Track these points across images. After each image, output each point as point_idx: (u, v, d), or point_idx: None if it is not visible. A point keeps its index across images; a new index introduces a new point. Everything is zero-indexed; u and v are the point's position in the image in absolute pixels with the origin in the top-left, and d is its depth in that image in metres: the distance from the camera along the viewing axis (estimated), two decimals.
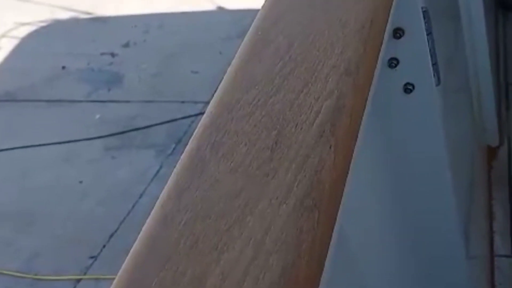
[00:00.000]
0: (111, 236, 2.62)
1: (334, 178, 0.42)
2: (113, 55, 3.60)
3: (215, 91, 0.56)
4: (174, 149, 3.04)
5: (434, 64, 0.85)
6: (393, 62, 0.81)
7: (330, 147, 0.43)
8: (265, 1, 0.63)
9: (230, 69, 0.54)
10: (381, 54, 0.62)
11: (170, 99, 3.36)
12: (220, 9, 3.78)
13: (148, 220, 0.39)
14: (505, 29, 2.08)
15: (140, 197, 2.79)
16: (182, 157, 0.44)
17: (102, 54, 3.60)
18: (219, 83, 0.55)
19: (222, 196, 0.39)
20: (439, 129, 0.89)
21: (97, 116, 3.33)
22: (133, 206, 2.76)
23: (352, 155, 0.46)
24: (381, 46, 0.60)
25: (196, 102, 3.28)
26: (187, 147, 0.46)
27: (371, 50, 0.57)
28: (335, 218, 0.41)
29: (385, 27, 0.62)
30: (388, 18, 0.63)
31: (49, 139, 3.19)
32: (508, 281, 1.55)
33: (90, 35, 3.75)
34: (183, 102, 3.33)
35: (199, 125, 0.48)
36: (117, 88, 3.45)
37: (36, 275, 2.48)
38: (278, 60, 0.53)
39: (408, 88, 0.84)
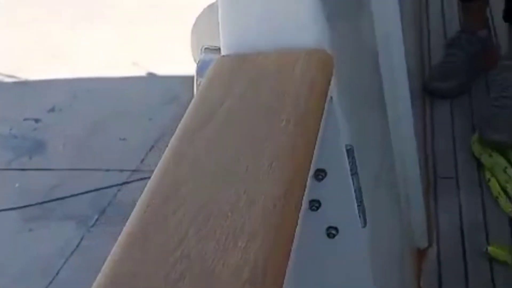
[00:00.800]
0: None
1: None
2: (37, 120, 3.45)
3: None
4: (96, 220, 2.91)
5: (360, 205, 0.78)
6: (314, 205, 0.74)
7: None
8: (158, 166, 0.54)
9: (103, 270, 0.43)
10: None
11: (95, 167, 3.23)
12: (150, 75, 3.71)
13: None
14: (432, 117, 2.07)
15: (58, 273, 2.64)
16: None
17: (26, 119, 3.45)
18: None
19: None
20: (367, 270, 0.81)
21: (17, 185, 3.17)
22: (51, 282, 2.60)
23: None
24: (296, 228, 0.51)
25: (122, 171, 3.16)
26: None
27: (284, 239, 0.47)
28: None
29: (302, 202, 0.54)
30: (304, 192, 0.55)
31: None
32: None
33: (13, 100, 3.60)
34: (108, 170, 3.21)
35: None
36: (40, 155, 3.30)
37: None
38: (167, 256, 0.43)
39: (332, 233, 0.77)
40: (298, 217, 0.52)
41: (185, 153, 0.54)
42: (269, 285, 0.43)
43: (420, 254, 1.70)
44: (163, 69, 3.68)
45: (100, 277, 0.42)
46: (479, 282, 1.63)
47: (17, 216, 2.99)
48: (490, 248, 1.68)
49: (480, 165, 1.90)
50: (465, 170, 1.91)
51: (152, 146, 3.04)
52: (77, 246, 2.77)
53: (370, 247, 0.84)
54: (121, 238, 0.46)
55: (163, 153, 0.50)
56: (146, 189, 0.51)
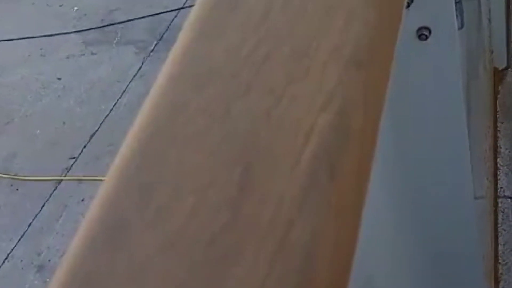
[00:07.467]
0: (92, 136, 2.56)
1: (334, 267, 0.25)
2: None
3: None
4: (155, 45, 2.92)
5: (458, 2, 0.68)
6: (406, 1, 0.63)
7: (328, 209, 0.26)
8: None
9: (174, 50, 0.33)
10: None
11: None
12: None
13: None
14: None
15: (121, 97, 2.71)
16: (91, 216, 0.26)
17: None
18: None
19: None
20: (458, 77, 0.71)
21: (76, 9, 3.16)
22: (115, 105, 2.68)
23: (361, 218, 0.28)
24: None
25: None
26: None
27: (390, 17, 0.36)
28: None
29: None
30: None
31: (24, 33, 3.04)
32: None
33: None
34: None
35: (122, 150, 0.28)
36: None
37: (16, 175, 2.45)
38: (248, 34, 0.32)
39: (424, 34, 0.65)
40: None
41: None
42: (375, 70, 0.33)
43: (498, 74, 1.59)
44: None
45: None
46: None
47: (77, 40, 3.01)
48: None
49: None
50: None
51: None
52: (138, 70, 2.81)
53: (462, 54, 0.75)
54: (190, 19, 0.35)
55: None
56: None
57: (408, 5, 0.64)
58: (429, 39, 0.67)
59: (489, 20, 1.49)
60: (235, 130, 0.29)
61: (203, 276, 0.24)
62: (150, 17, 3.05)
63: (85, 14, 3.12)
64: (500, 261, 1.43)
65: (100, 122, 2.61)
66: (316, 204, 0.26)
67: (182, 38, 0.34)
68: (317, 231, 0.26)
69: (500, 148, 1.59)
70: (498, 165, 1.57)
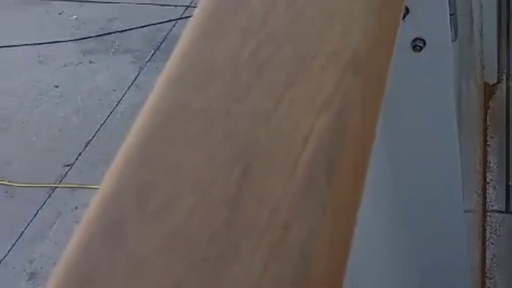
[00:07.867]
0: (87, 144, 2.55)
1: (329, 267, 0.26)
2: None
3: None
4: (152, 55, 2.93)
5: (452, 15, 0.69)
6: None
7: (324, 210, 0.27)
8: None
9: (176, 51, 0.33)
10: None
11: (149, 1, 3.20)
12: None
13: None
14: None
15: (117, 105, 2.71)
16: (89, 215, 0.27)
17: None
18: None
19: None
20: (451, 89, 0.72)
21: (74, 17, 3.17)
22: (111, 113, 2.68)
23: (356, 221, 0.29)
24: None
25: (176, 6, 3.13)
26: (100, 194, 0.27)
27: (389, 24, 0.36)
28: None
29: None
30: None
31: (23, 39, 3.05)
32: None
33: None
34: (163, 5, 3.17)
35: (121, 151, 0.28)
36: None
37: (10, 182, 2.44)
38: (249, 37, 0.33)
39: (418, 45, 0.66)
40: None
41: None
42: (373, 75, 0.33)
43: (488, 89, 1.60)
44: None
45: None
46: None
47: (75, 48, 3.02)
48: None
49: None
50: None
51: None
52: (135, 80, 2.82)
53: (455, 66, 0.77)
54: (192, 22, 0.35)
55: None
56: None
57: (404, 16, 0.64)
58: (423, 50, 0.67)
59: (481, 35, 1.51)
60: (235, 131, 0.29)
61: (201, 274, 0.24)
62: (148, 27, 3.07)
63: (84, 23, 3.13)
64: (487, 274, 1.44)
65: (96, 131, 2.60)
66: (312, 206, 0.27)
67: (184, 39, 0.34)
68: (313, 232, 0.26)
69: (490, 162, 1.61)
70: (487, 179, 1.58)
